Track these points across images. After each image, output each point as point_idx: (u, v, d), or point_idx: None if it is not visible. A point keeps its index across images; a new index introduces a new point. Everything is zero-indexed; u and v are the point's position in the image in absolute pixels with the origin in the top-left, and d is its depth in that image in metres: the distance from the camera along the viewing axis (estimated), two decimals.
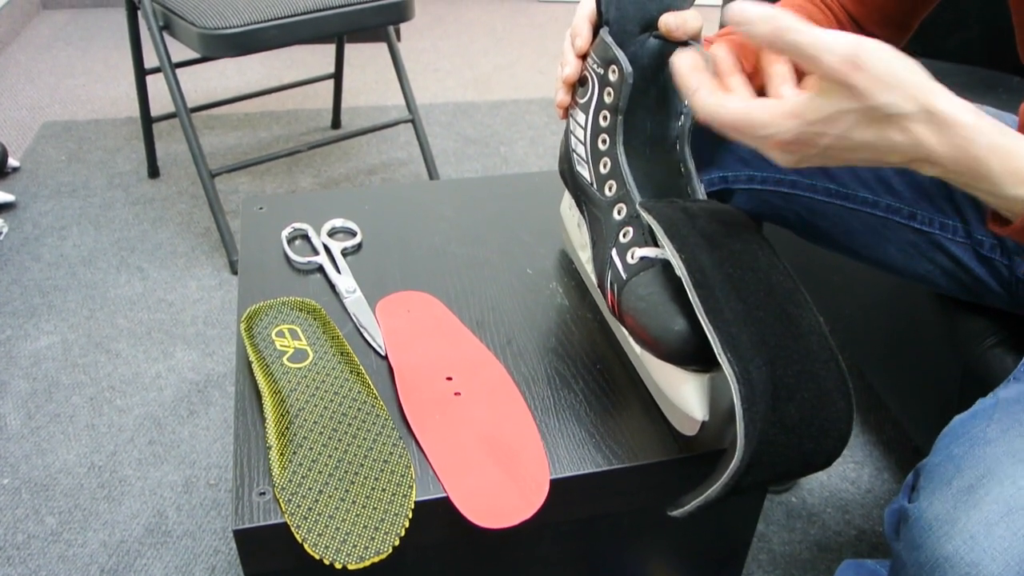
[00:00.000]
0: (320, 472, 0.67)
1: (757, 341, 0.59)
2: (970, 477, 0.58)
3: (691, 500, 0.62)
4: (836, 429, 0.60)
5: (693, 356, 0.64)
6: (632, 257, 0.69)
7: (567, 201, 0.95)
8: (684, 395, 0.68)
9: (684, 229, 0.64)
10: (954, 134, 0.55)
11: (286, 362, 0.77)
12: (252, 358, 0.77)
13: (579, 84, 0.78)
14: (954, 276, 0.93)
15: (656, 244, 0.69)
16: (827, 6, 0.91)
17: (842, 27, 0.90)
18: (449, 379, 0.77)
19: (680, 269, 0.62)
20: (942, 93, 0.55)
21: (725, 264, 0.62)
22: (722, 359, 0.58)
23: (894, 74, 0.54)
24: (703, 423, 0.68)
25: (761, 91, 0.87)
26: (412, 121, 2.10)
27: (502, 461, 0.69)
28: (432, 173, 2.13)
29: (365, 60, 3.01)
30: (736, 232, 0.65)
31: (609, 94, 0.73)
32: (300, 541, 0.62)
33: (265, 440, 0.70)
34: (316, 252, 0.95)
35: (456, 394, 0.75)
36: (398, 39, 2.44)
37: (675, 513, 0.63)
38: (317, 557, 0.61)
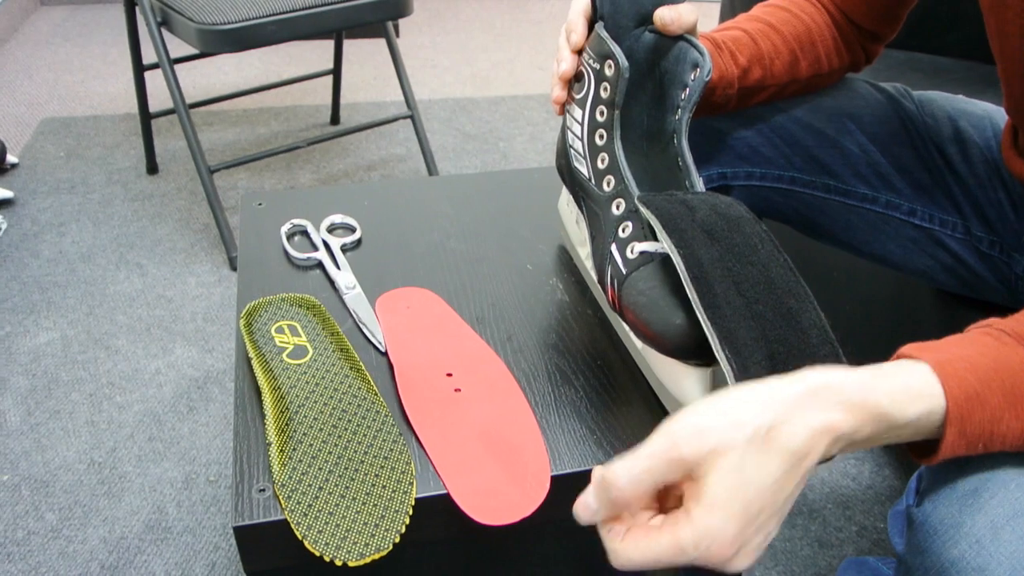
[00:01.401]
0: (320, 469, 0.66)
1: (757, 336, 0.59)
2: (975, 480, 0.57)
3: None
4: None
5: (694, 350, 0.64)
6: (632, 252, 0.69)
7: (565, 197, 0.95)
8: (686, 389, 0.68)
9: (683, 223, 0.64)
10: (833, 398, 0.51)
11: (286, 358, 0.77)
12: (252, 354, 0.77)
13: (575, 80, 0.78)
14: (953, 272, 0.92)
15: (656, 238, 0.69)
16: (819, 1, 0.91)
17: (834, 22, 0.90)
18: (449, 375, 0.77)
19: (678, 264, 0.62)
20: (787, 382, 0.51)
21: (725, 258, 0.62)
22: (720, 355, 0.58)
23: (710, 413, 0.51)
24: None
25: (750, 90, 0.87)
26: (411, 117, 2.09)
27: (503, 457, 0.69)
28: (431, 169, 2.13)
29: (364, 56, 3.00)
30: (736, 225, 0.65)
31: (605, 89, 0.73)
32: (300, 538, 0.62)
33: (265, 436, 0.70)
34: (315, 248, 0.95)
35: (456, 390, 0.75)
36: (397, 35, 2.44)
37: None
38: (317, 554, 0.61)
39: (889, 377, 0.53)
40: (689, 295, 0.60)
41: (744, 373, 0.57)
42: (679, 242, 0.62)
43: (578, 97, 0.77)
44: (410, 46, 3.15)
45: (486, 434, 0.71)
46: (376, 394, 0.74)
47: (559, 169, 0.86)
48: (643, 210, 0.67)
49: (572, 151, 0.79)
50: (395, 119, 2.12)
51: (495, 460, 0.68)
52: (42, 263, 1.83)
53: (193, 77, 2.75)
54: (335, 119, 2.50)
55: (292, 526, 0.62)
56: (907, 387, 0.52)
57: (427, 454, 0.69)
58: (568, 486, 0.70)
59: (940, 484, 0.60)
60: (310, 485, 0.65)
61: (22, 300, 1.71)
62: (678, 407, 0.72)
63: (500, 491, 0.66)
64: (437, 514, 0.67)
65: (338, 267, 0.92)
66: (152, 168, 2.20)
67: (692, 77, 0.71)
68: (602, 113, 0.74)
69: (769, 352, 0.58)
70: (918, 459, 0.57)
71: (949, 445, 0.53)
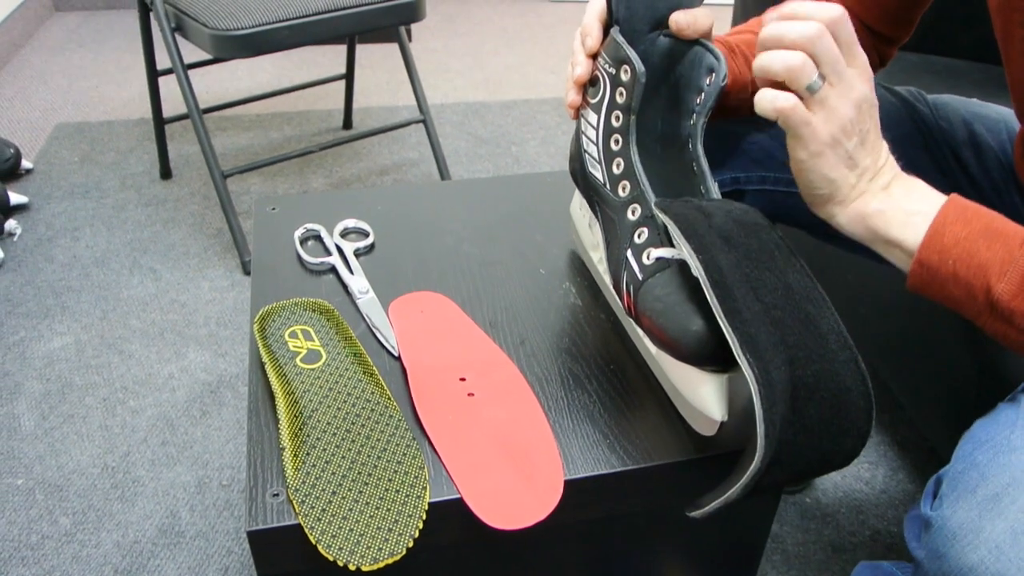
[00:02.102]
0: (334, 473, 0.66)
1: (776, 341, 0.58)
2: (995, 485, 0.57)
3: (710, 501, 0.61)
4: (855, 428, 0.60)
5: (711, 356, 0.64)
6: (648, 258, 0.69)
7: (577, 201, 0.95)
8: (702, 395, 0.68)
9: (700, 228, 0.64)
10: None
11: (299, 363, 0.77)
12: (265, 359, 0.77)
13: (590, 84, 0.78)
14: None
15: (672, 244, 0.68)
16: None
17: None
18: (463, 380, 0.77)
19: (697, 269, 0.61)
20: None
21: (743, 263, 0.62)
22: (741, 360, 0.58)
23: None
24: (721, 423, 0.68)
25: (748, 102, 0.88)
26: (423, 121, 2.10)
27: (516, 462, 0.69)
28: (444, 173, 2.13)
29: (376, 60, 3.01)
30: (753, 231, 0.65)
31: (621, 94, 0.73)
32: (314, 542, 0.62)
33: (278, 441, 0.70)
34: (328, 253, 0.95)
35: (470, 395, 0.75)
36: (409, 39, 2.44)
37: (694, 514, 0.63)
38: (331, 558, 0.61)
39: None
40: (709, 300, 0.60)
41: (766, 377, 0.57)
42: (697, 247, 0.62)
43: (593, 102, 0.77)
44: (422, 50, 3.16)
45: (499, 438, 0.71)
46: (389, 398, 0.74)
47: (572, 174, 0.86)
48: (660, 215, 0.67)
49: (587, 156, 0.79)
50: (407, 123, 2.12)
51: (508, 464, 0.68)
52: (56, 268, 1.84)
53: (207, 82, 2.76)
54: (347, 124, 2.51)
55: (306, 530, 0.62)
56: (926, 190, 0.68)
57: (440, 458, 0.69)
58: (581, 491, 0.70)
59: (959, 488, 0.59)
60: (323, 489, 0.65)
61: (36, 305, 1.72)
62: (693, 413, 0.72)
63: (513, 496, 0.66)
64: (450, 518, 0.67)
65: (351, 272, 0.92)
66: (166, 173, 2.21)
67: (708, 82, 0.71)
68: (618, 118, 0.74)
69: (789, 357, 0.58)
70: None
71: (927, 239, 0.64)
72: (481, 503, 0.65)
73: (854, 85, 0.65)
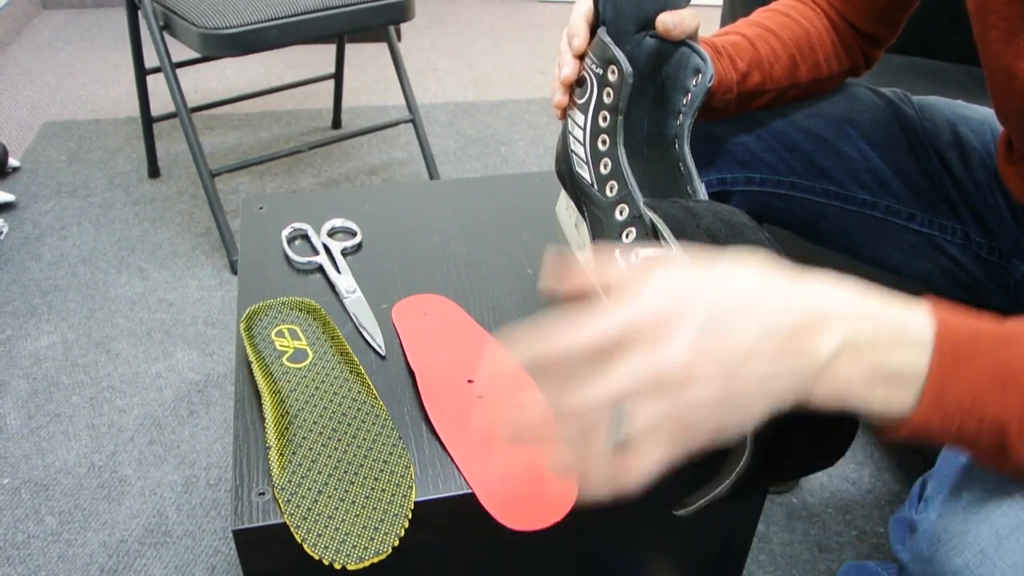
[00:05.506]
0: (320, 472, 0.67)
1: None
2: (980, 489, 0.57)
3: (697, 500, 0.61)
4: (843, 425, 0.60)
5: None
6: (636, 257, 0.69)
7: (563, 201, 0.95)
8: None
9: (689, 228, 0.64)
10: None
11: (286, 362, 0.77)
12: (252, 358, 0.77)
13: (577, 85, 0.78)
14: (952, 277, 0.93)
15: (659, 244, 0.69)
16: (818, 6, 0.91)
17: (834, 27, 0.90)
18: (470, 382, 0.77)
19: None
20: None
21: None
22: None
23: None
24: None
25: (749, 95, 0.88)
26: (412, 121, 2.10)
27: (529, 463, 0.69)
28: (432, 173, 2.13)
29: (365, 60, 3.01)
30: (739, 231, 0.65)
31: (608, 94, 0.73)
32: (299, 541, 0.62)
33: (265, 440, 0.70)
34: (316, 252, 0.95)
35: (479, 397, 0.75)
36: (398, 39, 2.44)
37: (681, 513, 0.63)
38: (316, 557, 0.61)
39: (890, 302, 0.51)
40: None
41: None
42: (687, 246, 0.62)
43: (580, 102, 0.77)
44: (411, 50, 3.16)
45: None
46: (376, 398, 0.74)
47: (559, 174, 0.86)
48: (649, 214, 0.67)
49: (574, 156, 0.79)
50: (396, 123, 2.12)
51: (522, 466, 0.68)
52: (43, 266, 1.83)
53: (195, 81, 2.75)
54: (336, 123, 2.50)
55: (291, 529, 0.62)
56: (903, 316, 0.50)
57: (454, 461, 0.69)
58: None
59: (944, 492, 0.59)
60: (309, 488, 0.65)
61: (23, 303, 1.71)
62: None
63: (529, 497, 0.66)
64: (436, 518, 0.67)
65: (338, 271, 0.92)
66: (154, 172, 2.20)
67: (694, 82, 0.71)
68: (604, 118, 0.74)
69: None
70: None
71: (926, 401, 0.48)
72: (498, 506, 0.65)
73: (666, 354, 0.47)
